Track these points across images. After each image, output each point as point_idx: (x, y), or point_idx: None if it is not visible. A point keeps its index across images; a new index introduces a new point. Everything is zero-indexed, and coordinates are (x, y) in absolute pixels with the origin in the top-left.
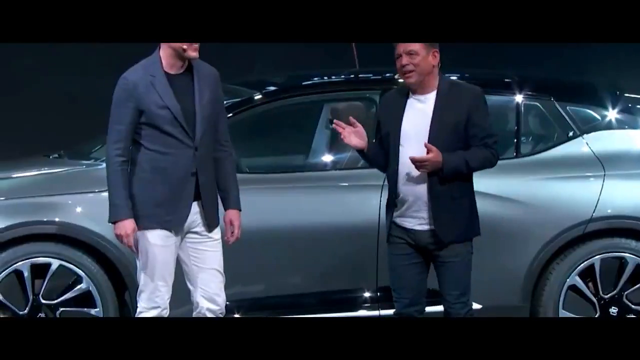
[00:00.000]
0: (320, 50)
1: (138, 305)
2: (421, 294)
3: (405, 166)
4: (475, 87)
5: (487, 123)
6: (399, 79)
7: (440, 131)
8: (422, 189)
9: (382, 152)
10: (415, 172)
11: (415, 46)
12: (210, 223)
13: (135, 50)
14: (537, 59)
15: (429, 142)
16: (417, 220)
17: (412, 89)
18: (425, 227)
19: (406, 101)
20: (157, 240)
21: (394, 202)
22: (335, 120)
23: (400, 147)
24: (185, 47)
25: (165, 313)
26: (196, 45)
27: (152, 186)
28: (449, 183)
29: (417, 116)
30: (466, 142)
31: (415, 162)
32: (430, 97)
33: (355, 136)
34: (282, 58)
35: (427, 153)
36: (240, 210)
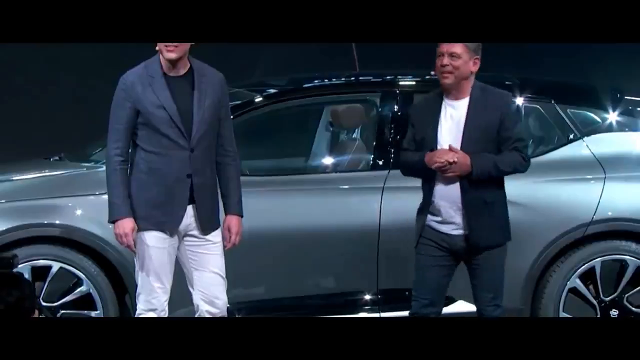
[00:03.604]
0: (320, 52)
1: (137, 307)
2: (441, 297)
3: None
4: (506, 92)
5: (518, 127)
6: (434, 77)
7: (472, 136)
8: (456, 194)
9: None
10: (450, 178)
11: (459, 49)
12: (207, 226)
13: (137, 51)
14: (537, 60)
15: (461, 147)
16: (452, 226)
17: (446, 92)
18: (460, 232)
19: (440, 107)
20: (152, 242)
21: (427, 207)
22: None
23: None
24: (157, 48)
25: (163, 315)
26: (171, 47)
27: (147, 187)
28: (482, 188)
29: (452, 123)
30: (498, 147)
31: (440, 168)
32: (464, 103)
33: None
34: (283, 60)
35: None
36: (241, 216)
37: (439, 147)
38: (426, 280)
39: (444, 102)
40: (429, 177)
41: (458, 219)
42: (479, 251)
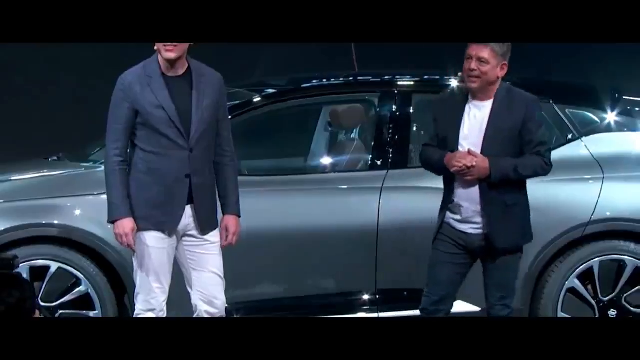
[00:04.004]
0: (320, 52)
1: (135, 307)
2: (451, 294)
3: None
4: (530, 95)
5: (541, 131)
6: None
7: (494, 138)
8: (476, 195)
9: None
10: (470, 180)
11: (487, 54)
12: (206, 226)
13: (137, 51)
14: (537, 60)
15: (482, 148)
16: (471, 225)
17: (472, 94)
18: (479, 231)
19: (464, 106)
20: (152, 242)
21: (447, 206)
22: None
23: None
24: (156, 48)
25: (161, 315)
26: (170, 47)
27: (146, 187)
28: (503, 190)
29: (475, 123)
30: (520, 149)
31: (458, 172)
32: (488, 104)
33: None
34: (283, 60)
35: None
36: (238, 216)
37: (460, 148)
38: (439, 276)
39: (469, 102)
40: (450, 176)
41: (477, 219)
42: (496, 252)
